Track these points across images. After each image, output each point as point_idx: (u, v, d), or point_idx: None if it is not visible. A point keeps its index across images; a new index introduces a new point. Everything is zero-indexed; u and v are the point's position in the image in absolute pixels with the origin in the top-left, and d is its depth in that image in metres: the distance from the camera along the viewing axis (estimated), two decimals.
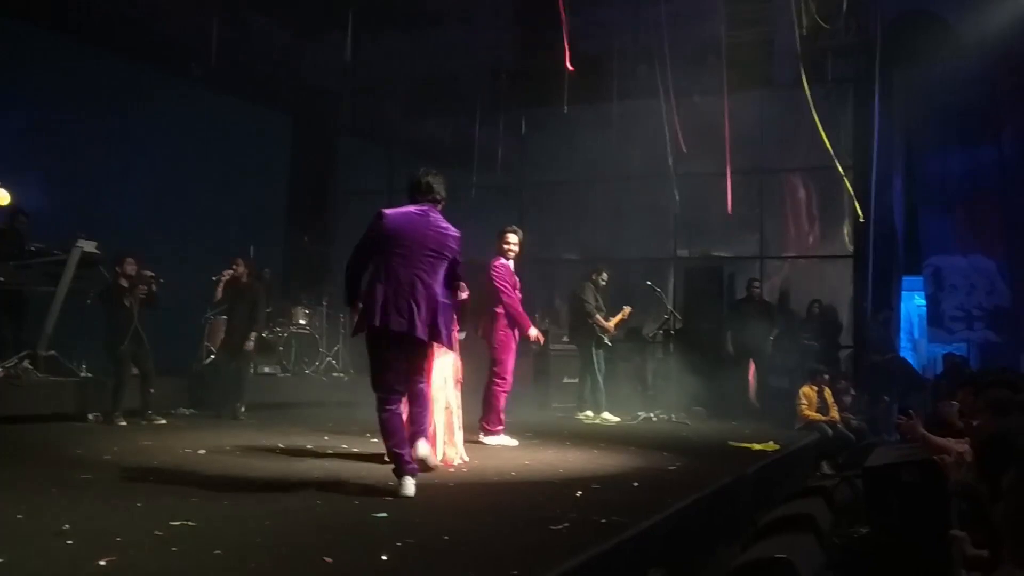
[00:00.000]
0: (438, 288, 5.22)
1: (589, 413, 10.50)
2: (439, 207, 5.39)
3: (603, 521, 4.39)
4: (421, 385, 5.38)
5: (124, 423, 8.46)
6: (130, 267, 8.83)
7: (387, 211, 5.28)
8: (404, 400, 5.35)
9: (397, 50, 14.41)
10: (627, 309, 10.68)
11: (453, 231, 5.34)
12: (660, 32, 10.80)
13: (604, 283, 10.80)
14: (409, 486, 4.98)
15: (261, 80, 13.51)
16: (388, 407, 5.15)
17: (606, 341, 10.65)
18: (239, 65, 12.82)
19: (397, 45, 14.37)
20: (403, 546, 3.76)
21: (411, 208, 5.31)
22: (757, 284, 12.38)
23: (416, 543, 3.85)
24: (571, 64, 9.45)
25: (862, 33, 12.00)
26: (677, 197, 11.23)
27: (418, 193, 5.36)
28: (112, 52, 11.92)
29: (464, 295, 6.19)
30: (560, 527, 4.23)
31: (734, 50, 11.65)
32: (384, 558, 3.55)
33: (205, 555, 3.55)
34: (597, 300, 10.64)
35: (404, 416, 5.36)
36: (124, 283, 8.79)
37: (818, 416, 9.91)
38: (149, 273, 9.01)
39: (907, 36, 12.06)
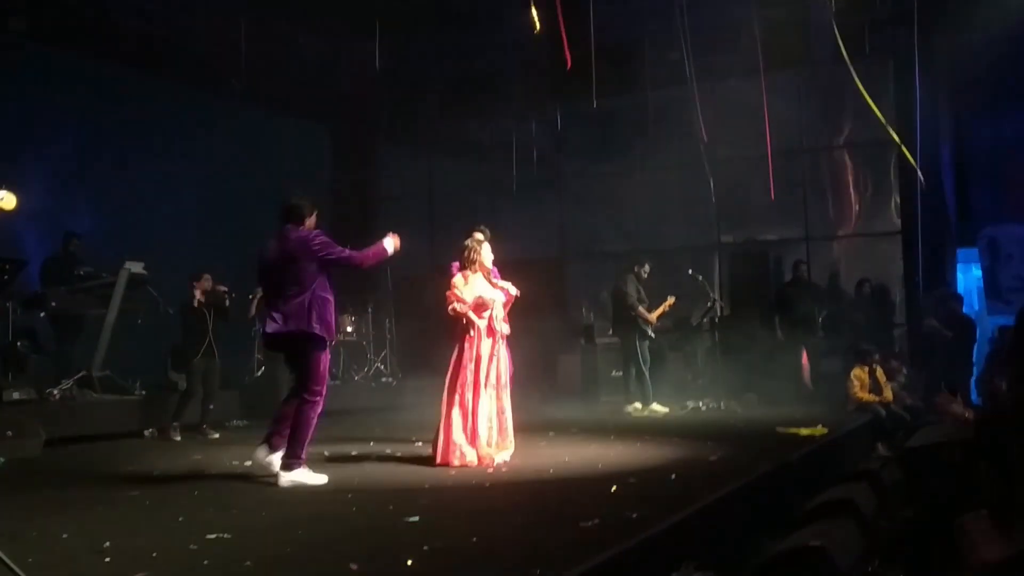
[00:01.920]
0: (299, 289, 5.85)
1: (638, 405, 10.44)
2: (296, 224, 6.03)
3: (634, 516, 4.36)
4: (304, 397, 5.94)
5: (179, 438, 8.67)
6: (207, 283, 9.08)
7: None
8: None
9: (430, 53, 14.49)
10: (671, 299, 10.60)
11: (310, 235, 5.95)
12: (691, 16, 10.65)
13: (646, 275, 10.72)
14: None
15: (297, 92, 13.67)
16: None
17: (649, 333, 10.57)
18: (275, 78, 13.01)
19: (430, 48, 14.45)
20: (430, 550, 3.79)
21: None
22: (804, 266, 12.17)
23: (443, 547, 3.88)
24: (596, 57, 9.41)
25: (898, 3, 11.69)
26: (712, 186, 11.07)
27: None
28: (152, 74, 12.14)
29: (515, 292, 6.55)
30: (589, 524, 4.22)
31: (768, 30, 11.44)
32: (409, 563, 3.59)
33: (234, 567, 3.64)
34: (639, 292, 10.57)
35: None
36: (201, 298, 9.04)
37: (871, 397, 9.71)
38: (222, 288, 9.25)
39: (945, 2, 11.73)
